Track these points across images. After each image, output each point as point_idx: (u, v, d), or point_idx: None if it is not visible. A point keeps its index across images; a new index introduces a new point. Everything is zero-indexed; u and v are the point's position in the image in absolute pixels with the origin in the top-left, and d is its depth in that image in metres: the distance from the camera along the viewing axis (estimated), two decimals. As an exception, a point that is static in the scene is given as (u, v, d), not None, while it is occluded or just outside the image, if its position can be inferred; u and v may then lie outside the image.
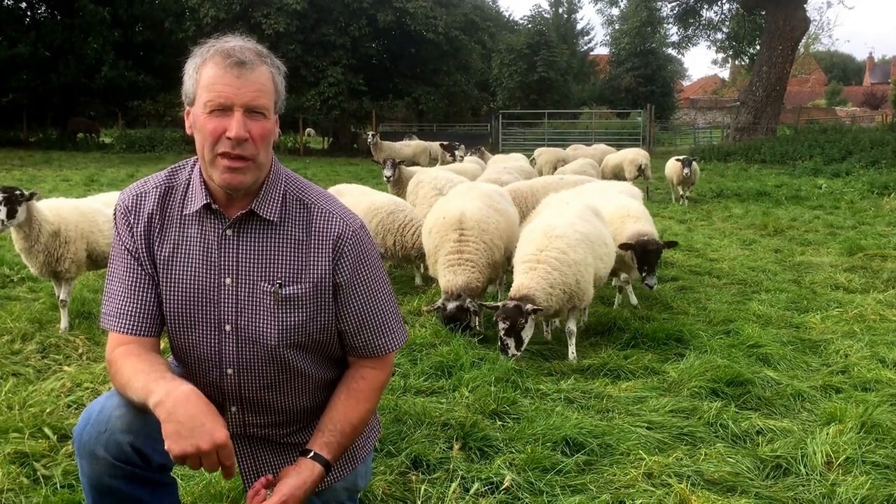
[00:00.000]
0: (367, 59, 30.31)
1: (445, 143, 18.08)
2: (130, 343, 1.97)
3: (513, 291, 4.54)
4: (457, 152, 16.53)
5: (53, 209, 5.10)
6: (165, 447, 1.73)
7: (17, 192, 4.70)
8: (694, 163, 13.16)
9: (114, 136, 31.85)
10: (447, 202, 5.74)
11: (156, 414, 1.76)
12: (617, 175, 12.99)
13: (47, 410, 3.51)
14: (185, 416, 1.72)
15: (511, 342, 4.38)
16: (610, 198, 6.21)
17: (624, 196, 6.33)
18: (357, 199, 6.73)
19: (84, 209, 5.31)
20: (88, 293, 5.88)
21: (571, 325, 4.68)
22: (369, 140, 18.63)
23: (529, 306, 4.35)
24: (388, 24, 28.60)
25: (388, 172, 10.12)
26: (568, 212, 5.14)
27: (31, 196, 4.79)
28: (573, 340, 4.65)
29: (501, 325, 4.38)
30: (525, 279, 4.54)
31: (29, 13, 31.79)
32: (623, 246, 5.39)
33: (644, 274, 5.44)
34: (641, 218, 5.80)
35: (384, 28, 28.97)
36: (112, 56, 29.84)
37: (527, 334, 4.43)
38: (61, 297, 5.09)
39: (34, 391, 3.78)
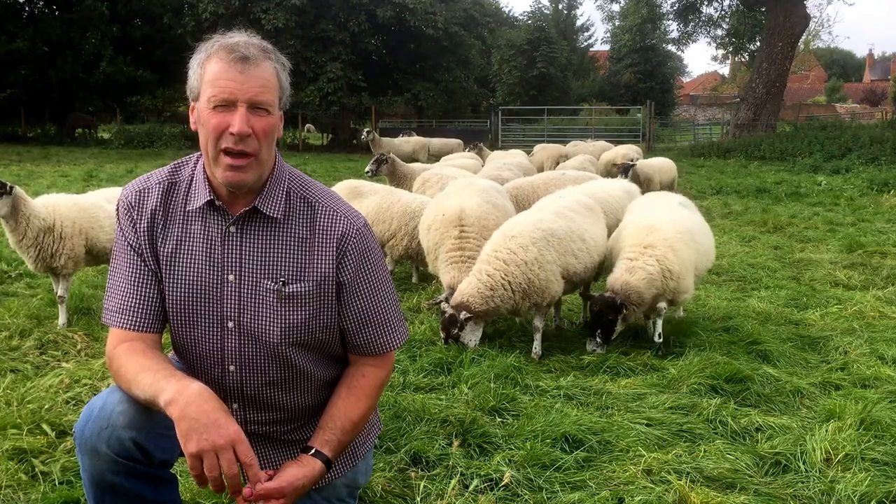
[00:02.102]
0: (367, 55, 30.26)
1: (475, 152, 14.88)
2: (133, 339, 1.97)
3: (453, 298, 4.66)
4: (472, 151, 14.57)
5: (49, 205, 5.05)
6: (181, 446, 1.71)
7: None
8: (638, 165, 10.59)
9: (112, 131, 31.81)
10: (445, 198, 5.71)
11: (167, 412, 1.74)
12: (610, 172, 12.96)
13: (45, 407, 3.51)
14: (199, 412, 1.71)
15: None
16: (664, 212, 5.19)
17: (685, 211, 5.35)
18: (386, 199, 6.54)
19: (84, 205, 5.26)
20: (87, 289, 5.87)
21: (537, 322, 4.68)
22: (364, 137, 18.43)
23: (464, 314, 4.52)
24: (387, 19, 28.56)
25: (367, 168, 9.86)
26: (547, 207, 5.08)
27: (10, 189, 4.73)
28: (538, 337, 4.65)
29: (442, 335, 4.63)
30: (464, 284, 4.65)
31: (27, 8, 31.70)
32: (584, 295, 4.98)
33: (588, 336, 4.65)
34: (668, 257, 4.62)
35: (383, 24, 28.92)
36: (110, 51, 29.83)
37: (470, 337, 4.60)
38: (59, 293, 5.07)
39: (32, 387, 3.77)
